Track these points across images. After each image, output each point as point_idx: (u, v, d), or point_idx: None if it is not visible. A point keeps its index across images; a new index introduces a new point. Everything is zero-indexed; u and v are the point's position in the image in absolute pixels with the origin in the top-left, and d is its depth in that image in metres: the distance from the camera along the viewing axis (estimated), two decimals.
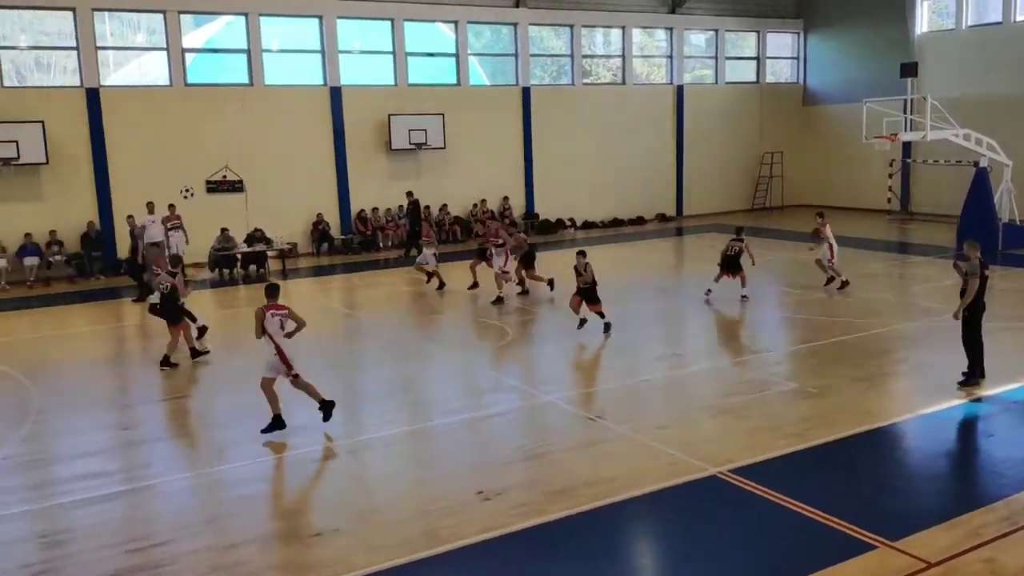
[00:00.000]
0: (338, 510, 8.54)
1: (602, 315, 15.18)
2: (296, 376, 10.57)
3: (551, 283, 18.64)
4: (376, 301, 19.92)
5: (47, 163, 22.24)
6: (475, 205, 28.93)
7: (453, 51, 28.58)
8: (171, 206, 22.54)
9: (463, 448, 10.26)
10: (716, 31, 33.73)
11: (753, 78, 35.23)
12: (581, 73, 31.07)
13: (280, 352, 10.41)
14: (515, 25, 29.38)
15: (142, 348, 16.06)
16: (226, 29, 25.99)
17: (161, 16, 23.92)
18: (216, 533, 8.10)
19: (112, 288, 21.81)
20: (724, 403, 11.36)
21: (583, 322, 15.29)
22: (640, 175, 32.26)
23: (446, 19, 28.33)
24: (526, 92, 29.67)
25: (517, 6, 29.11)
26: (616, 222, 31.98)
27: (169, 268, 14.45)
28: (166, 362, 13.76)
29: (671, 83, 33.05)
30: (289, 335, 10.58)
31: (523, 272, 18.83)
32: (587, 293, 15.16)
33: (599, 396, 12.08)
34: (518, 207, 29.97)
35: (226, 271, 22.80)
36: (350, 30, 26.83)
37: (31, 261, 22.09)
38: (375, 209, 27.16)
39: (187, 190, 24.10)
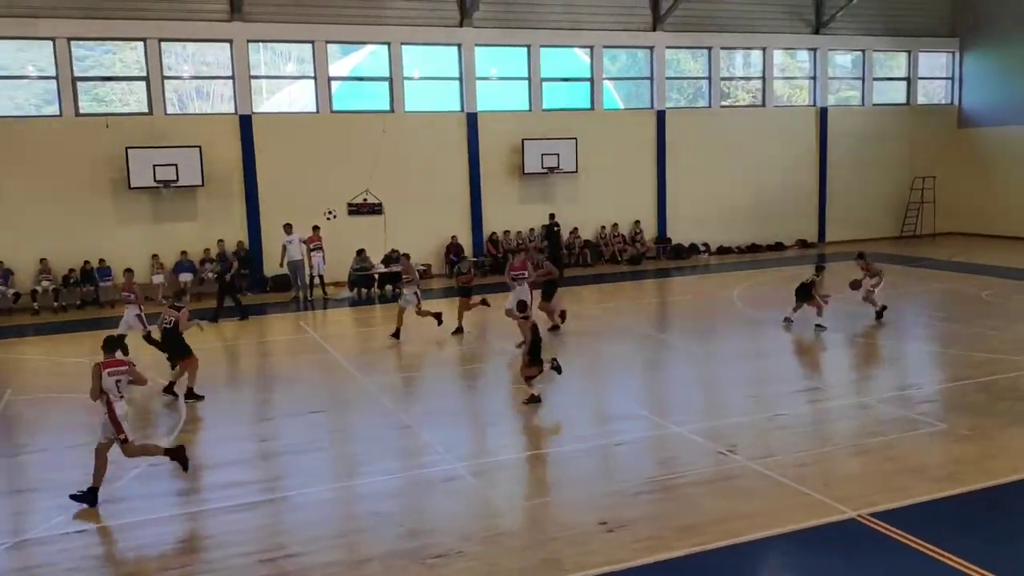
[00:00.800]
0: (462, 532, 8.56)
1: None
2: (126, 442, 9.53)
3: (556, 326, 17.63)
4: (504, 322, 19.98)
5: (203, 185, 23.67)
6: (603, 228, 28.82)
7: (588, 75, 28.65)
8: (315, 228, 23.63)
9: (588, 476, 10.10)
10: (863, 51, 32.40)
11: (903, 99, 33.59)
12: (719, 95, 30.48)
13: (111, 414, 9.41)
14: (651, 49, 29.17)
15: (283, 363, 16.75)
16: (370, 58, 27.05)
17: (310, 46, 25.12)
18: (347, 548, 8.27)
19: (259, 304, 22.89)
20: (866, 442, 10.75)
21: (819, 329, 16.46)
22: (779, 199, 31.27)
23: (582, 44, 28.45)
24: (661, 115, 29.37)
25: (654, 29, 28.91)
26: (753, 248, 31.08)
27: (174, 302, 13.92)
28: (190, 394, 13.36)
29: (814, 105, 31.94)
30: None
31: (540, 304, 17.42)
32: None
33: (731, 429, 11.67)
34: (649, 231, 29.62)
35: (364, 290, 23.55)
36: (486, 57, 27.35)
37: (185, 277, 23.50)
38: (506, 232, 27.46)
39: (330, 212, 25.13)
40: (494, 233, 27.41)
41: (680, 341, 17.01)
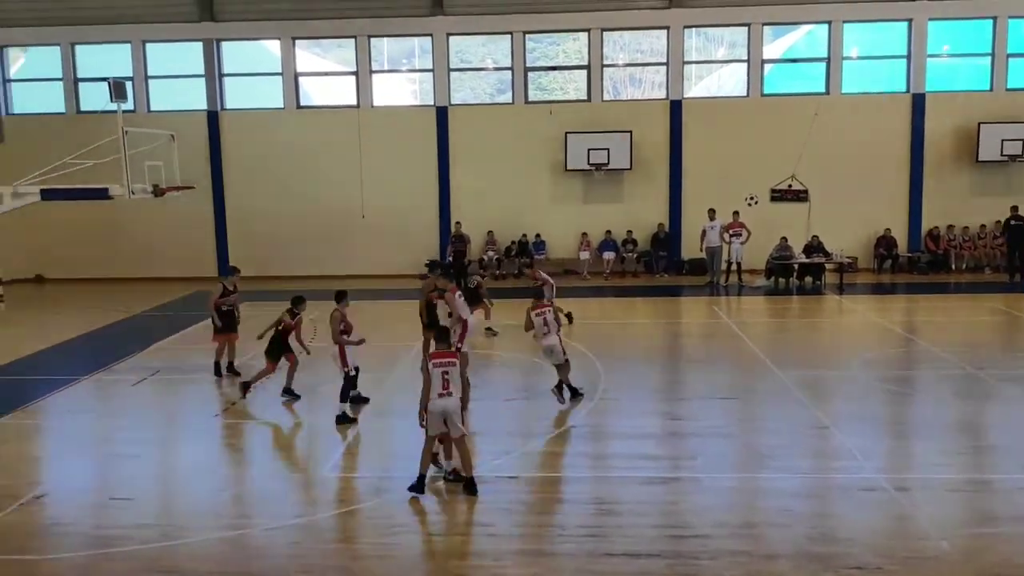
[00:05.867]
0: (881, 548, 7.89)
1: None
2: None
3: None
4: (942, 327, 18.00)
5: (630, 168, 24.63)
6: None
7: None
8: (735, 213, 23.44)
9: None
10: None
11: None
12: None
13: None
14: None
15: (695, 345, 16.87)
16: (805, 39, 25.92)
17: (744, 30, 24.78)
18: (754, 540, 8.09)
19: (674, 286, 23.33)
20: None
21: None
22: None
23: None
24: None
25: None
26: None
27: (293, 308, 12.76)
28: (287, 392, 12.87)
29: None
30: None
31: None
32: None
33: None
34: None
35: (782, 280, 22.78)
36: (938, 33, 24.66)
37: (608, 256, 24.79)
38: (950, 227, 24.64)
39: (751, 198, 24.68)
40: (935, 227, 24.77)
41: None
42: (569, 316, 16.48)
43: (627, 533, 8.26)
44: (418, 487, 9.12)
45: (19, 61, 26.67)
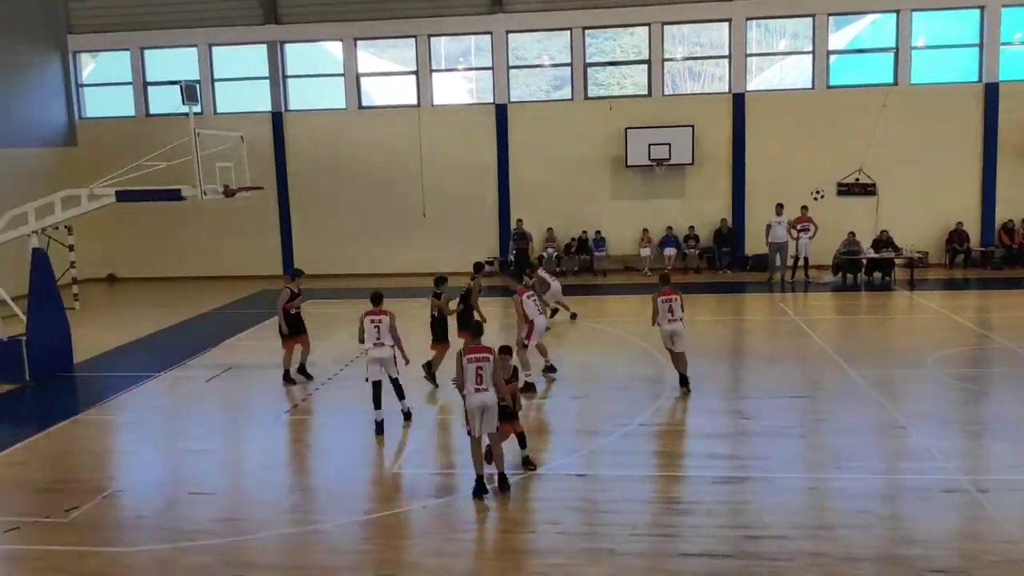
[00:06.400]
0: (966, 551, 7.67)
1: None
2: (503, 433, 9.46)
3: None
4: (1019, 324, 17.31)
5: (692, 163, 24.33)
6: None
7: None
8: (803, 208, 22.98)
9: None
10: None
11: None
12: None
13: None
14: None
15: (761, 343, 16.60)
16: (871, 28, 25.29)
17: (807, 20, 24.28)
18: (834, 541, 7.91)
19: (737, 283, 22.97)
20: None
21: None
22: None
23: None
24: None
25: None
26: None
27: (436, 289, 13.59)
28: (428, 369, 13.45)
29: None
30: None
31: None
32: None
33: None
34: None
35: (850, 276, 22.25)
36: (1010, 20, 23.81)
37: (670, 252, 24.51)
38: None
39: (817, 192, 24.18)
40: (1010, 221, 23.96)
41: None
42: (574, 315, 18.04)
43: (701, 533, 8.15)
44: (479, 490, 9.10)
45: (89, 67, 27.44)
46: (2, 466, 10.73)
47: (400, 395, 11.65)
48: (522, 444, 9.77)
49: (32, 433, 11.95)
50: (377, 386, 11.39)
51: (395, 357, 11.56)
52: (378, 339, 11.40)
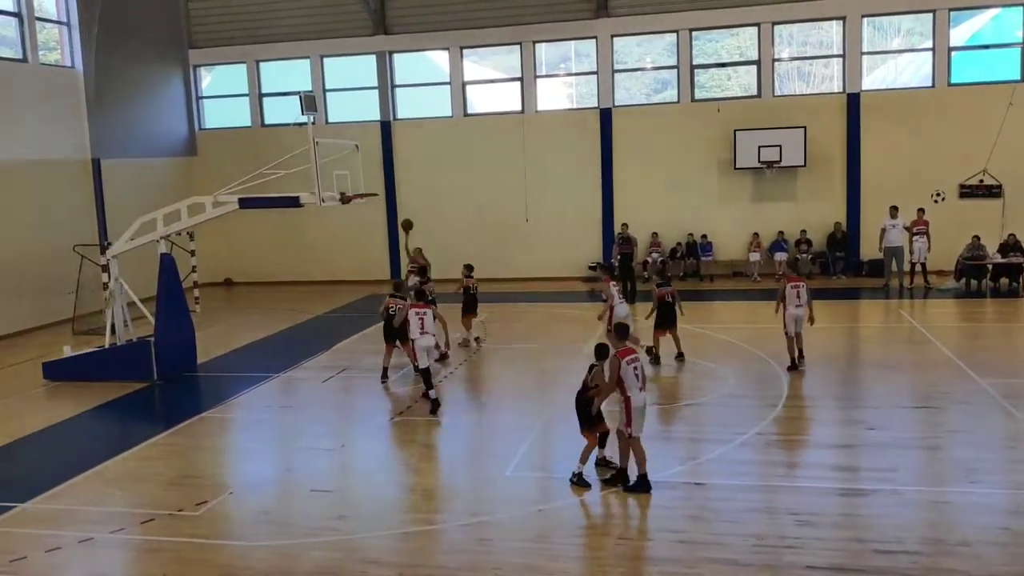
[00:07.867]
0: None
1: None
2: (630, 437, 9.42)
3: (477, 339, 17.01)
4: None
5: (804, 166, 23.64)
6: None
7: None
8: (920, 211, 22.04)
9: None
10: None
11: None
12: None
13: (627, 404, 9.24)
14: None
15: (881, 350, 15.96)
16: (991, 24, 24.05)
17: (922, 17, 23.31)
18: (975, 559, 7.52)
19: (853, 288, 22.18)
20: None
21: None
22: None
23: None
24: None
25: None
26: None
27: (394, 292, 14.83)
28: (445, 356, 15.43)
29: None
30: None
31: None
32: None
33: None
34: None
35: (974, 282, 21.19)
36: None
37: (780, 256, 23.83)
38: None
39: (938, 194, 23.15)
40: None
41: None
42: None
43: (829, 546, 7.87)
44: (641, 485, 9.19)
45: (206, 79, 28.66)
46: (135, 460, 11.25)
47: (428, 385, 12.71)
48: (602, 444, 9.85)
49: (161, 430, 12.50)
50: (427, 371, 12.77)
51: (436, 344, 13.29)
52: (423, 329, 12.71)
